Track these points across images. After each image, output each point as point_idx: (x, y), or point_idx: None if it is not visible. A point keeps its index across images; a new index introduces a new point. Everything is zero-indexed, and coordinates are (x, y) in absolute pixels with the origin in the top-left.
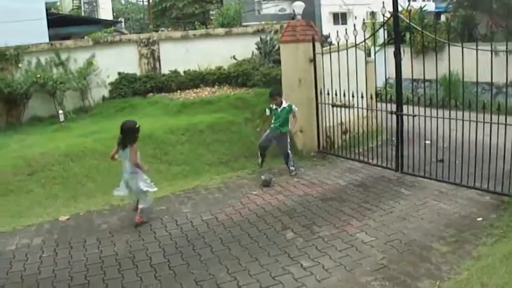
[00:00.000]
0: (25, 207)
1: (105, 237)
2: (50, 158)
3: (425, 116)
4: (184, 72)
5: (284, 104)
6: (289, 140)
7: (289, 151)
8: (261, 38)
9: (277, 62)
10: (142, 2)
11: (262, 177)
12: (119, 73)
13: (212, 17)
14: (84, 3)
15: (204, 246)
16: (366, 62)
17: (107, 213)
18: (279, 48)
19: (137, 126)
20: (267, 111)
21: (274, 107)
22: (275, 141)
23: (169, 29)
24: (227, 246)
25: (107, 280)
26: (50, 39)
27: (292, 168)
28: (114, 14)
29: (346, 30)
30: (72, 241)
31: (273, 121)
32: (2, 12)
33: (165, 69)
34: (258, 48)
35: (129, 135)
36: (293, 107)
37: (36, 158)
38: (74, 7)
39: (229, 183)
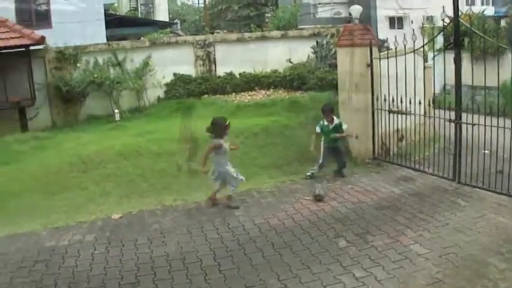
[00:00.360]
0: (79, 203)
1: (157, 237)
2: (104, 156)
3: (485, 125)
4: (240, 74)
5: (336, 121)
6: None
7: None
8: (317, 42)
9: (333, 66)
10: (198, 3)
11: (317, 190)
12: (175, 74)
13: (267, 20)
14: (140, 4)
15: (256, 250)
16: (424, 68)
17: (159, 213)
18: (335, 52)
19: (227, 123)
20: (318, 129)
21: (325, 123)
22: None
23: (225, 31)
24: (278, 252)
25: (157, 281)
26: (107, 40)
27: (344, 173)
28: (170, 15)
29: (404, 35)
30: (123, 239)
31: (323, 139)
32: (62, 13)
33: (220, 71)
34: (314, 52)
35: (215, 130)
36: (343, 124)
37: (91, 156)
38: (131, 8)
39: (282, 188)
